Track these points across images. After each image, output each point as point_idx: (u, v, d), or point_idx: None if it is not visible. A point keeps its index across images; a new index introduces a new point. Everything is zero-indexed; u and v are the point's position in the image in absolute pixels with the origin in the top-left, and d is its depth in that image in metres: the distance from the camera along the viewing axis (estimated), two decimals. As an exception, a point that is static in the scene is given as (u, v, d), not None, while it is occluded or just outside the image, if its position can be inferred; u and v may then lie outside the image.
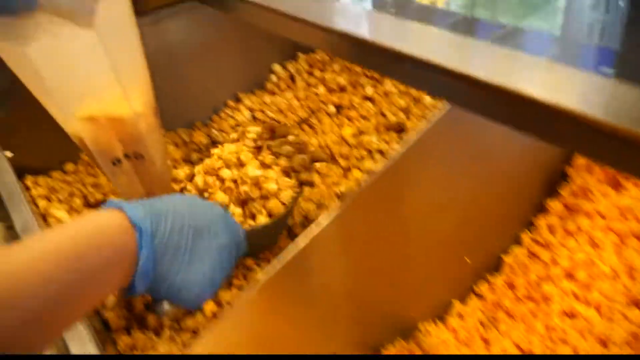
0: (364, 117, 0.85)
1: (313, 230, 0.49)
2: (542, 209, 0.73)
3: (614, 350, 0.59)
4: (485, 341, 0.64)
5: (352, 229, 0.52)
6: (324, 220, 0.49)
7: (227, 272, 0.44)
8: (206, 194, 0.63)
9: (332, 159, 0.83)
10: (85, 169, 0.83)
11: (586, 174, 0.72)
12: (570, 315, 0.63)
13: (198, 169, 0.65)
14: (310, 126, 0.87)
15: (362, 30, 0.46)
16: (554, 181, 0.74)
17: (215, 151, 0.65)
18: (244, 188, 0.61)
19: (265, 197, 0.62)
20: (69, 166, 0.83)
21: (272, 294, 0.48)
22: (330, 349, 0.58)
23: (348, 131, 0.84)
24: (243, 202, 0.62)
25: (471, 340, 0.64)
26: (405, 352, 0.63)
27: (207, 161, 0.65)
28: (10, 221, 0.59)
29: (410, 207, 0.57)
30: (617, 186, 0.71)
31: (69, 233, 0.34)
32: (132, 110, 0.52)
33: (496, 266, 0.71)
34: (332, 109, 0.88)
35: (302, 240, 0.48)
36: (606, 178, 0.72)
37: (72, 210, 0.76)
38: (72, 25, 0.43)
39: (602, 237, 0.67)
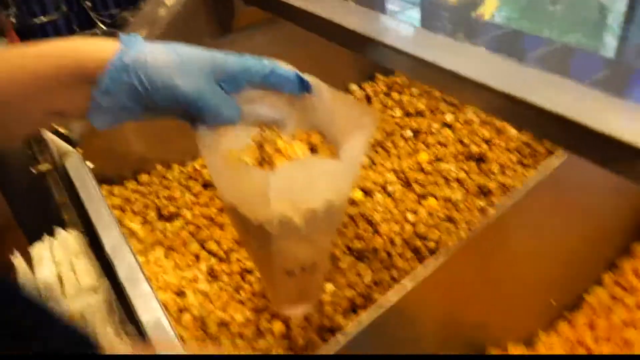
0: (441, 144, 0.88)
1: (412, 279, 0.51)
2: (627, 252, 0.75)
3: None
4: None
5: (451, 277, 0.55)
6: (426, 268, 0.52)
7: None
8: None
9: (406, 184, 0.86)
10: (159, 181, 0.88)
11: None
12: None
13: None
14: (385, 149, 0.91)
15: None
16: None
17: None
18: None
19: None
20: (144, 177, 0.88)
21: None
22: None
23: (424, 157, 0.87)
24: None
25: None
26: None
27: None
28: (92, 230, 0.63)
29: (506, 258, 0.59)
30: None
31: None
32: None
33: (577, 305, 0.73)
34: (409, 133, 0.91)
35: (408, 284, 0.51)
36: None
37: (145, 222, 0.81)
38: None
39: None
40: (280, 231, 0.51)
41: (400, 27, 0.58)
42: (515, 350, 0.66)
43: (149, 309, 0.52)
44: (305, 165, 0.48)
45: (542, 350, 0.68)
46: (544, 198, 0.56)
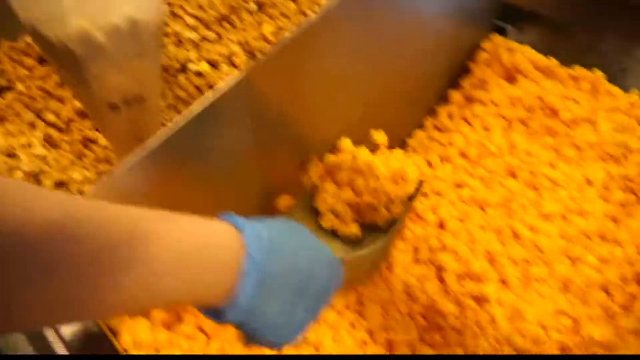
0: (284, 16, 0.92)
1: (218, 90, 0.55)
2: (444, 99, 0.84)
3: (490, 212, 0.72)
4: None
5: (259, 91, 0.59)
6: (231, 80, 0.56)
7: (317, 314, 0.42)
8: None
9: (251, 55, 0.89)
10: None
11: (486, 68, 0.83)
12: (461, 185, 0.75)
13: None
14: (231, 23, 0.93)
15: None
16: (457, 74, 0.84)
17: None
18: None
19: None
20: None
21: (171, 152, 0.54)
22: (235, 203, 0.66)
23: (268, 28, 0.90)
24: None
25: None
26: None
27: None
28: None
29: (316, 78, 0.64)
30: (511, 79, 0.83)
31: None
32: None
33: (401, 147, 0.81)
34: (253, 6, 0.93)
35: (205, 99, 0.55)
36: (502, 72, 0.83)
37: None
38: None
39: (493, 122, 0.79)
40: (85, 51, 0.52)
41: None
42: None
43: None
44: None
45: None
46: (346, 24, 0.61)
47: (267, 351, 0.55)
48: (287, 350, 0.57)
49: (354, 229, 0.61)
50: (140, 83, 0.55)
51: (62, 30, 0.50)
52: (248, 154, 0.62)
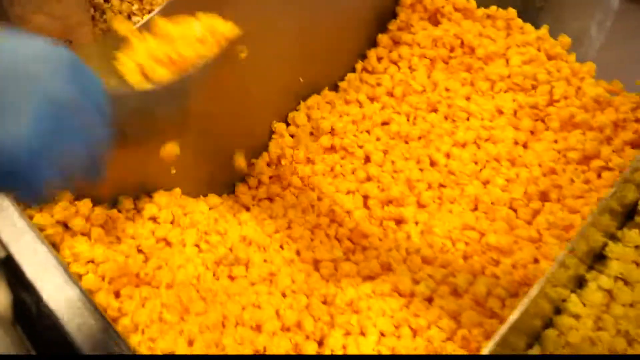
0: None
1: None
2: (374, 43, 0.90)
3: (412, 144, 0.78)
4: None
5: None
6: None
7: (79, 143, 0.35)
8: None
9: None
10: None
11: (410, 12, 0.88)
12: (387, 122, 0.81)
13: None
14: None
15: None
16: (385, 19, 0.89)
17: None
18: None
19: None
20: None
21: None
22: (180, 158, 0.71)
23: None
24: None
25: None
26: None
27: None
28: None
29: (243, 22, 0.69)
30: (435, 22, 0.88)
31: None
32: None
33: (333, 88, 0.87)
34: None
35: None
36: (426, 15, 0.88)
37: None
38: None
39: (418, 62, 0.85)
40: None
41: None
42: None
43: None
44: None
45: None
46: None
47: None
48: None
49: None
50: (65, 25, 0.59)
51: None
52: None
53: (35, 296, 0.41)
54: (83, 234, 0.60)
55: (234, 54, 0.68)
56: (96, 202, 0.64)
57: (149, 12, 0.91)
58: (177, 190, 0.71)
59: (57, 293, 0.41)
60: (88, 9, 0.75)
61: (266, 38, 0.73)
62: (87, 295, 0.45)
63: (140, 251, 0.63)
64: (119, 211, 0.66)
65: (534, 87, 0.78)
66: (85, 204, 0.61)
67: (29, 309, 0.46)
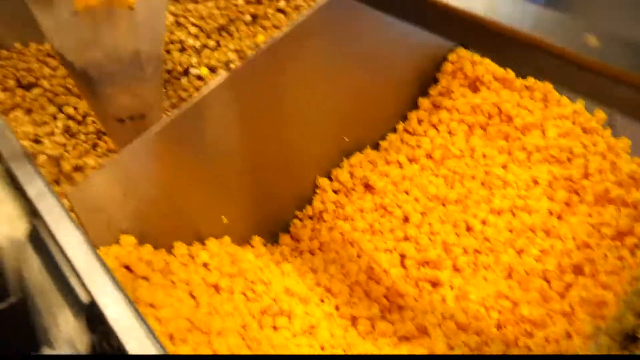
0: (276, 27, 1.03)
1: (207, 87, 0.66)
2: (415, 106, 0.95)
3: (449, 207, 0.82)
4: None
5: (243, 97, 0.70)
6: (215, 81, 0.67)
7: None
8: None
9: (247, 62, 1.00)
10: (17, 56, 0.96)
11: (451, 78, 0.93)
12: (428, 183, 0.85)
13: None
14: (229, 33, 1.04)
15: None
16: (426, 84, 0.95)
17: None
18: None
19: None
20: (3, 53, 0.96)
21: (168, 139, 0.65)
22: (231, 208, 0.77)
23: (261, 38, 1.01)
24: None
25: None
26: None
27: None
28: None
29: (294, 82, 0.75)
30: (474, 89, 0.93)
31: None
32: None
33: (375, 147, 0.92)
34: (248, 18, 1.04)
35: (197, 96, 0.66)
36: (466, 82, 0.93)
37: (5, 89, 0.90)
38: None
39: (456, 127, 0.89)
40: (99, 76, 0.63)
41: None
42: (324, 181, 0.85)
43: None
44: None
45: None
46: (320, 32, 0.72)
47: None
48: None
49: None
50: (143, 102, 0.66)
51: (82, 58, 0.61)
52: (232, 146, 0.73)
53: (116, 344, 0.45)
54: (144, 278, 0.64)
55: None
56: (155, 248, 0.69)
57: (207, 66, 0.98)
58: (227, 239, 0.76)
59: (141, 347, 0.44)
60: (163, 88, 0.83)
61: (314, 99, 0.79)
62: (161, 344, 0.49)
63: (192, 296, 0.67)
64: (174, 256, 0.70)
65: (569, 160, 0.82)
66: (147, 249, 0.66)
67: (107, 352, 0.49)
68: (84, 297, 0.48)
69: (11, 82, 0.91)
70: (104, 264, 0.52)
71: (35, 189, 0.56)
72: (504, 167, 0.83)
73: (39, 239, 0.55)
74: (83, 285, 0.48)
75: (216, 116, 0.69)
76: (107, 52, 0.62)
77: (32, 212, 0.58)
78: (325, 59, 0.75)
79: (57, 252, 0.52)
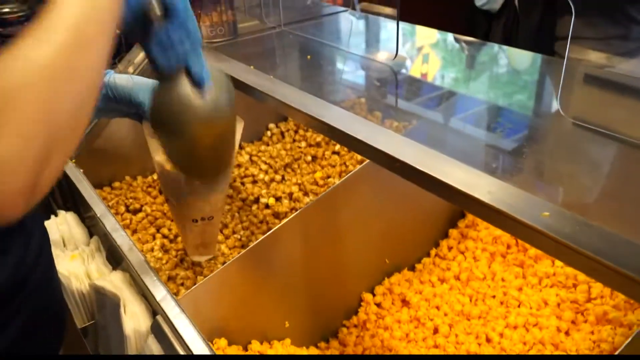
0: (331, 165, 1.30)
1: (277, 225, 0.91)
2: (446, 235, 1.17)
3: (473, 322, 1.01)
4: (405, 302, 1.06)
5: (306, 228, 0.95)
6: (285, 219, 0.92)
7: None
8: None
9: (305, 194, 1.27)
10: (127, 187, 1.26)
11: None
12: (455, 300, 1.05)
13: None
14: (292, 170, 1.32)
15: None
16: (455, 217, 1.18)
17: None
18: None
19: None
20: (116, 184, 1.26)
21: (245, 267, 0.89)
22: (293, 315, 0.99)
23: (319, 175, 1.28)
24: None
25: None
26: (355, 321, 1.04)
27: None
28: (88, 212, 1.01)
29: (347, 217, 1.00)
30: (496, 222, 1.15)
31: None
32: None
33: (411, 269, 1.13)
34: (309, 158, 1.32)
35: (270, 232, 0.91)
36: (489, 216, 1.16)
37: (117, 213, 1.18)
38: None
39: (480, 254, 1.11)
40: (190, 188, 0.87)
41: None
42: (369, 298, 1.06)
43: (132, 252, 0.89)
44: None
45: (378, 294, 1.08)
46: (369, 182, 0.98)
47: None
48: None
49: None
50: (213, 207, 0.88)
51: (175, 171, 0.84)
52: (295, 267, 0.97)
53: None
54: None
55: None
56: (230, 343, 0.90)
57: (274, 196, 1.25)
58: (288, 341, 0.97)
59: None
60: (227, 197, 1.10)
61: (362, 229, 1.03)
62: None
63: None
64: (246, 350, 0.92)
65: (574, 285, 1.01)
66: (233, 349, 0.88)
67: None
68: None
69: (122, 208, 1.19)
70: (212, 350, 0.74)
71: (160, 293, 0.80)
72: (519, 289, 1.03)
73: (161, 331, 0.78)
74: (198, 363, 0.71)
75: (284, 244, 0.93)
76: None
77: (153, 311, 0.82)
78: (370, 200, 1.00)
79: (175, 340, 0.75)
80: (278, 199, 1.25)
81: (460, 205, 0.66)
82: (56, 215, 1.06)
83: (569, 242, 0.54)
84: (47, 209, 1.13)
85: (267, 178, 1.29)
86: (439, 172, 0.66)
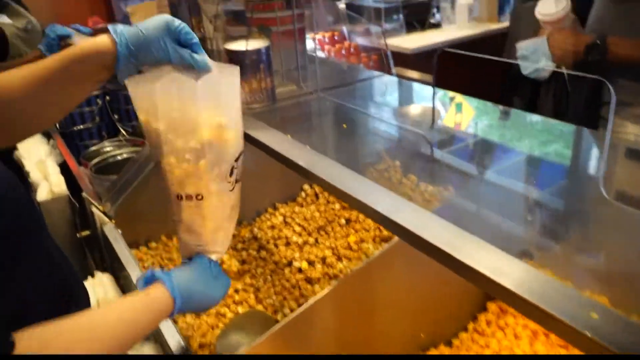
0: (365, 229, 1.29)
1: (312, 299, 0.90)
2: (484, 309, 1.13)
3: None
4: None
5: (341, 301, 0.93)
6: (320, 294, 0.91)
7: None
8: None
9: (338, 259, 1.25)
10: (162, 247, 1.28)
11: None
12: (493, 382, 1.01)
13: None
14: (326, 232, 1.31)
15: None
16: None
17: None
18: None
19: None
20: (152, 244, 1.28)
21: (276, 345, 0.88)
22: None
23: (352, 239, 1.27)
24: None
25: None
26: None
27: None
28: (123, 273, 1.03)
29: (382, 290, 0.98)
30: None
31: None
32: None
33: (447, 344, 1.10)
34: (343, 221, 1.32)
35: (304, 305, 0.90)
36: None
37: (152, 275, 1.20)
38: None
39: (521, 332, 1.06)
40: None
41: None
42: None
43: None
44: None
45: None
46: (404, 254, 0.96)
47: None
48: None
49: None
50: (198, 184, 0.79)
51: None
52: (332, 337, 0.95)
53: None
54: None
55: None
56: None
57: (307, 260, 1.24)
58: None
59: None
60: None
61: (397, 303, 1.00)
62: None
63: None
64: None
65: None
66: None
67: None
68: None
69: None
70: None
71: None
72: (563, 372, 0.98)
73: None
74: None
75: (319, 319, 0.92)
76: (186, 139, 0.78)
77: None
78: (405, 275, 0.98)
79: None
80: (311, 263, 1.24)
81: (489, 291, 0.65)
82: (93, 276, 1.08)
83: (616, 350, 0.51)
84: (84, 269, 1.15)
85: (300, 241, 1.29)
86: (466, 256, 0.65)
